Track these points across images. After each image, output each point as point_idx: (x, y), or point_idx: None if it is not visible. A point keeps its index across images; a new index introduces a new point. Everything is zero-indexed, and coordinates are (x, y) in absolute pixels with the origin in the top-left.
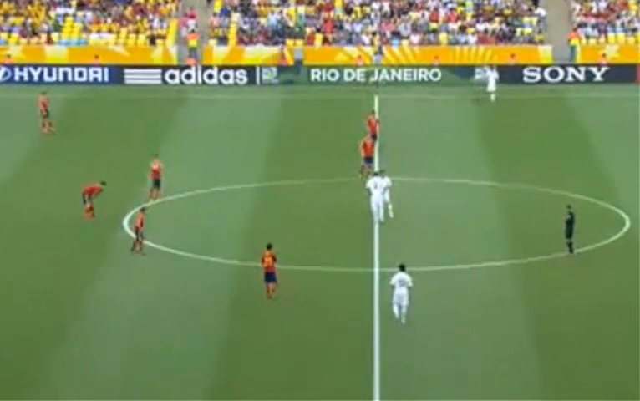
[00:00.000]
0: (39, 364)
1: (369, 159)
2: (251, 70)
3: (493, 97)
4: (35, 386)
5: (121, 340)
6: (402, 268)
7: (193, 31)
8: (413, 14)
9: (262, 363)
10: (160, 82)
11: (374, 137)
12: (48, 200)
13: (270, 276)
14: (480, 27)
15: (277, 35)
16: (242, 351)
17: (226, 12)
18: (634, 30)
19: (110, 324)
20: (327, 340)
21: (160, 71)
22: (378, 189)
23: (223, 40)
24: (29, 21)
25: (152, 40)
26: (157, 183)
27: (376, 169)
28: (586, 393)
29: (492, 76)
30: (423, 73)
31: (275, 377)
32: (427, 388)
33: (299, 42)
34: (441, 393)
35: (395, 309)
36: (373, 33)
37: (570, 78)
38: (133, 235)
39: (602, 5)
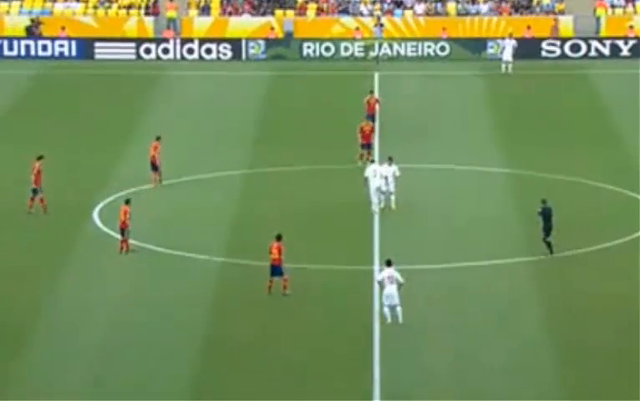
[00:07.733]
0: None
1: (368, 145)
2: (235, 44)
3: (510, 67)
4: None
5: (94, 343)
6: (388, 264)
7: None
8: None
9: (252, 366)
10: (134, 57)
11: (373, 118)
12: (3, 190)
13: (275, 270)
14: None
15: (265, 4)
16: (230, 353)
17: None
18: None
19: (82, 326)
20: (323, 341)
21: (134, 45)
22: (377, 177)
23: (205, 10)
24: None
25: (125, 10)
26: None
27: (376, 154)
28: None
29: (509, 44)
30: (429, 47)
31: (266, 379)
32: (430, 393)
33: (289, 12)
34: (445, 398)
35: (386, 311)
36: (373, 2)
37: (593, 53)
38: (104, 228)
39: None
